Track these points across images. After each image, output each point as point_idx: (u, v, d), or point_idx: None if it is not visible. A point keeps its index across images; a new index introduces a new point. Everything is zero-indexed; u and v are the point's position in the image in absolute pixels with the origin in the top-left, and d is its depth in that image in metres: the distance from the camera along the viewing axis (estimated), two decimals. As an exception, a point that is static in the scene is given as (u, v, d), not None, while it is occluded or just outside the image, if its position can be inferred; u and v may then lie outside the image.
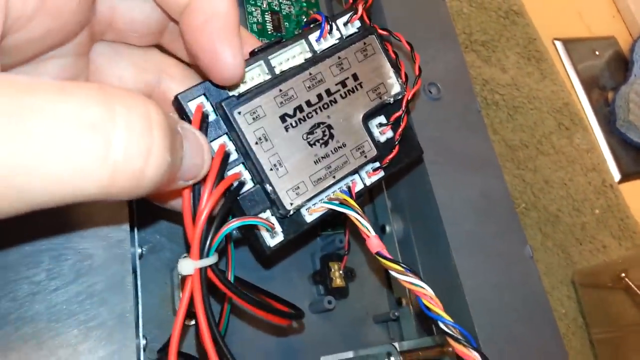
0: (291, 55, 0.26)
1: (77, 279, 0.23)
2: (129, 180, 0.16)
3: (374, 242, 0.25)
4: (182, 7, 0.22)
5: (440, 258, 0.32)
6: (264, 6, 0.37)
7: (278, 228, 0.26)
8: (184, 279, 0.22)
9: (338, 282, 0.36)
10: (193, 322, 0.32)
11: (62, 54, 0.22)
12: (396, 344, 0.31)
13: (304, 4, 0.39)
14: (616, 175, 0.64)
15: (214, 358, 0.21)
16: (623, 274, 0.51)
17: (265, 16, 0.36)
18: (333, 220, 0.37)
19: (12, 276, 0.23)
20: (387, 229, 0.38)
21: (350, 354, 0.33)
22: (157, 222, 0.33)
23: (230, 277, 0.25)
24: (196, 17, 0.22)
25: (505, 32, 0.66)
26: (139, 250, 0.30)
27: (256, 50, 0.25)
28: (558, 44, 0.71)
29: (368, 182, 0.28)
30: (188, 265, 0.21)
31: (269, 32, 0.36)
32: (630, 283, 0.50)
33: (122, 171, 0.15)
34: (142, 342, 0.27)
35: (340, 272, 0.36)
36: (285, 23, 0.37)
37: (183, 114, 0.24)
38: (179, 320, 0.21)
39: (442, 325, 0.23)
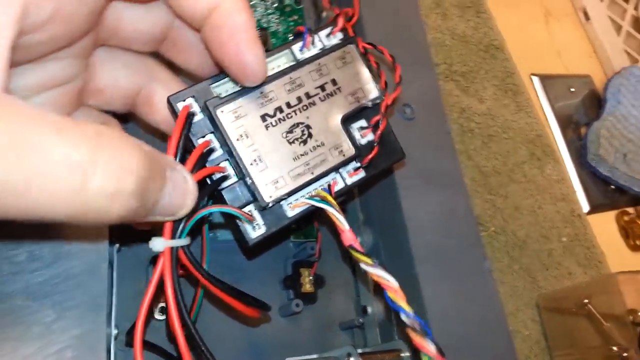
0: (277, 65, 0.29)
1: (56, 262, 0.25)
2: (95, 215, 0.19)
3: (348, 236, 0.26)
4: (202, 18, 0.24)
5: (404, 267, 0.34)
6: (253, 23, 0.39)
7: (260, 221, 0.27)
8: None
9: (307, 287, 0.37)
10: (164, 317, 0.33)
11: (63, 56, 0.24)
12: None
13: (291, 23, 0.41)
14: (585, 207, 0.67)
15: (182, 341, 0.22)
16: (586, 300, 0.52)
17: (253, 32, 0.38)
18: (307, 228, 0.39)
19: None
20: (359, 240, 0.39)
21: (314, 356, 0.34)
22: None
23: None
24: (221, 33, 0.24)
25: (484, 64, 0.69)
26: (117, 245, 0.32)
27: None
28: (535, 79, 0.74)
29: (349, 181, 0.30)
30: (159, 243, 0.22)
31: (255, 48, 0.38)
32: (593, 309, 0.52)
33: (90, 207, 0.18)
34: (114, 331, 0.28)
35: (310, 278, 0.37)
36: (273, 40, 0.39)
37: (174, 114, 0.26)
38: (148, 297, 0.22)
39: (403, 317, 0.24)
